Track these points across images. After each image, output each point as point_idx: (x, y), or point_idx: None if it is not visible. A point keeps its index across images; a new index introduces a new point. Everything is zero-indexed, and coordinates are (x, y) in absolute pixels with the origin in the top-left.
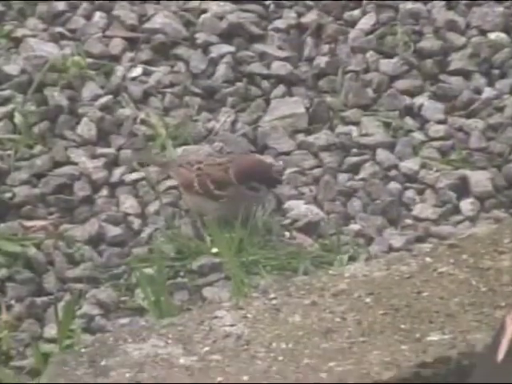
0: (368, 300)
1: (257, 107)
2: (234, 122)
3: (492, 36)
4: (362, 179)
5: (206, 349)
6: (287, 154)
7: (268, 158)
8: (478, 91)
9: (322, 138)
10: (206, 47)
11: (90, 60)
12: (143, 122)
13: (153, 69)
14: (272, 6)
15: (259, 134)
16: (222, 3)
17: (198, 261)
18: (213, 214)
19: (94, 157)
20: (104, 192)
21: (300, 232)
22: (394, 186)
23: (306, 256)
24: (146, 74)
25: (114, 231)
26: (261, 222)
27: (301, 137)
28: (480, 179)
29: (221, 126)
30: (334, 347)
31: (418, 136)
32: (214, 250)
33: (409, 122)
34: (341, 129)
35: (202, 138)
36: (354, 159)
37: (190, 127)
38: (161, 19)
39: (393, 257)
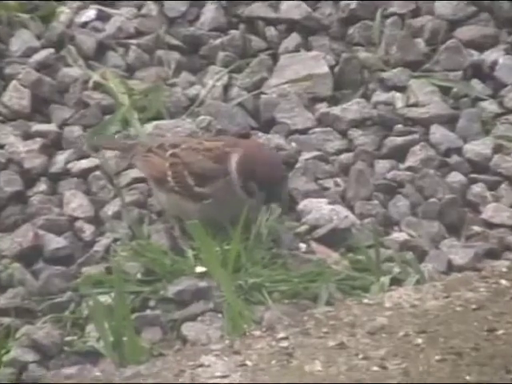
0: (419, 340)
1: (259, 66)
2: (226, 87)
3: None
4: (410, 168)
5: None
6: (303, 131)
7: (275, 138)
8: None
9: (352, 109)
10: None
11: None
12: (97, 86)
13: (111, 11)
14: None
15: (263, 104)
16: None
17: (176, 284)
18: (194, 218)
19: (27, 136)
20: (41, 187)
21: (321, 243)
22: (455, 177)
23: (329, 278)
24: (102, 18)
25: (55, 243)
26: (266, 229)
27: (322, 108)
28: None
29: (208, 93)
30: None
31: (490, 107)
32: (200, 268)
33: (476, 86)
34: (379, 96)
35: (182, 110)
36: (399, 140)
37: (163, 94)
38: None
39: (454, 279)
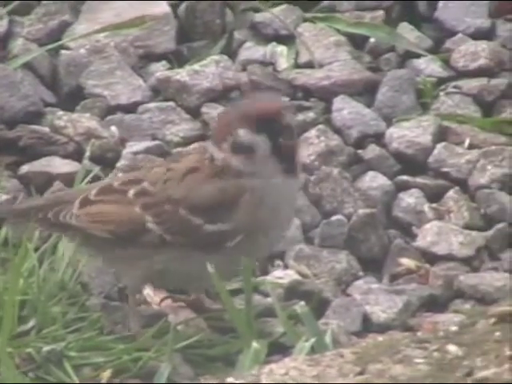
0: None
1: (58, 3)
2: (4, 38)
3: None
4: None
5: None
6: (129, 109)
7: (84, 120)
8: None
9: (207, 72)
10: None
11: None
12: None
13: None
14: None
15: (64, 65)
16: None
17: None
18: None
19: None
20: None
21: None
22: (373, 181)
23: (174, 342)
24: None
25: None
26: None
27: (160, 70)
28: None
29: None
30: None
31: (430, 67)
32: None
33: (407, 34)
34: (251, 51)
35: None
36: None
37: None
38: None
39: (373, 344)
